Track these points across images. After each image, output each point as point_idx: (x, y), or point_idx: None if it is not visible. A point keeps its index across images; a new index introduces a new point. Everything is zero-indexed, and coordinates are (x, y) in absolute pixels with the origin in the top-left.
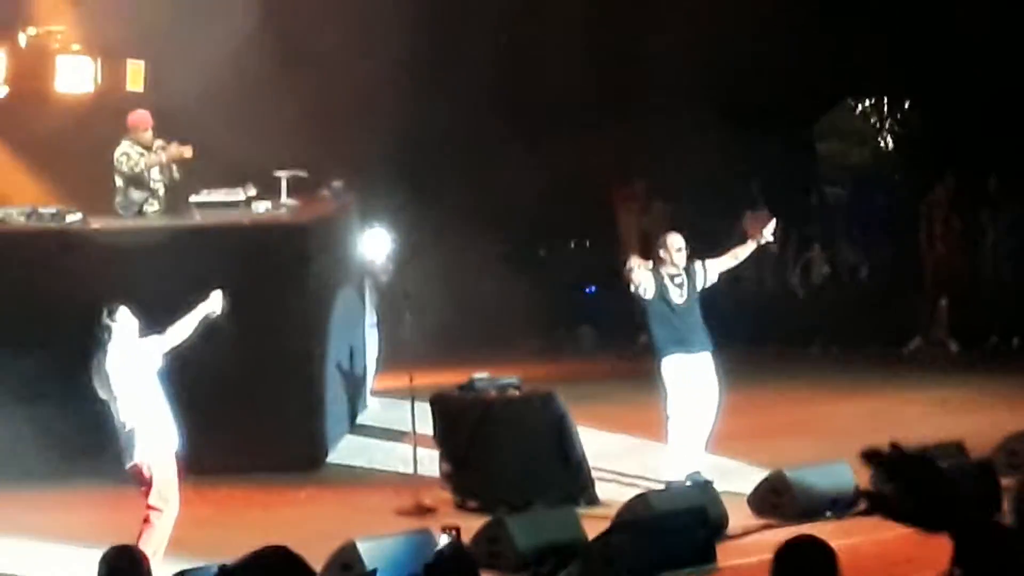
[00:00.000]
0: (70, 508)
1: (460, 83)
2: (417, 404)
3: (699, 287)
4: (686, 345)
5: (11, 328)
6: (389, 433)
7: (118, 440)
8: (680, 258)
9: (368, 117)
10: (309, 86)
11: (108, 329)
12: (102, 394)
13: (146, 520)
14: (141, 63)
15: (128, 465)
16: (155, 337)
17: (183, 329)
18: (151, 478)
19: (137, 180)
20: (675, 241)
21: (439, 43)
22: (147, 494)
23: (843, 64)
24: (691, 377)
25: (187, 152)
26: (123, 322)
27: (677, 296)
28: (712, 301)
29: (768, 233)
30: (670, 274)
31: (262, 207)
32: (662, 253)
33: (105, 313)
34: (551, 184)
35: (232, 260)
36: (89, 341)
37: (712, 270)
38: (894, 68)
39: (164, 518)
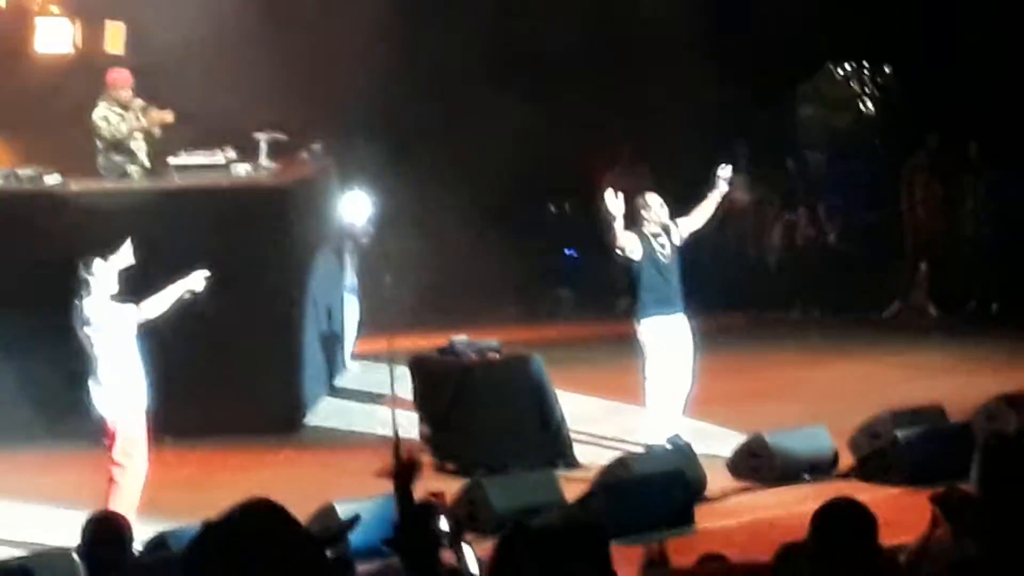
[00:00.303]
0: (52, 469)
1: (441, 44)
2: (396, 367)
3: (677, 245)
4: (668, 306)
5: None
6: (368, 395)
7: (87, 396)
8: (664, 213)
9: (348, 78)
10: (288, 48)
11: (85, 283)
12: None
13: (111, 480)
14: (121, 24)
15: (94, 416)
16: (131, 306)
17: (160, 303)
18: (114, 433)
19: (118, 144)
20: (655, 199)
21: (420, 3)
22: (110, 449)
23: (824, 29)
24: (671, 339)
25: (168, 117)
26: (99, 275)
27: (663, 255)
28: (693, 264)
29: (725, 178)
30: (652, 233)
31: (241, 170)
32: (644, 213)
33: (81, 266)
34: (531, 146)
35: (211, 223)
36: (69, 303)
37: (684, 228)
38: (875, 33)
39: (128, 476)
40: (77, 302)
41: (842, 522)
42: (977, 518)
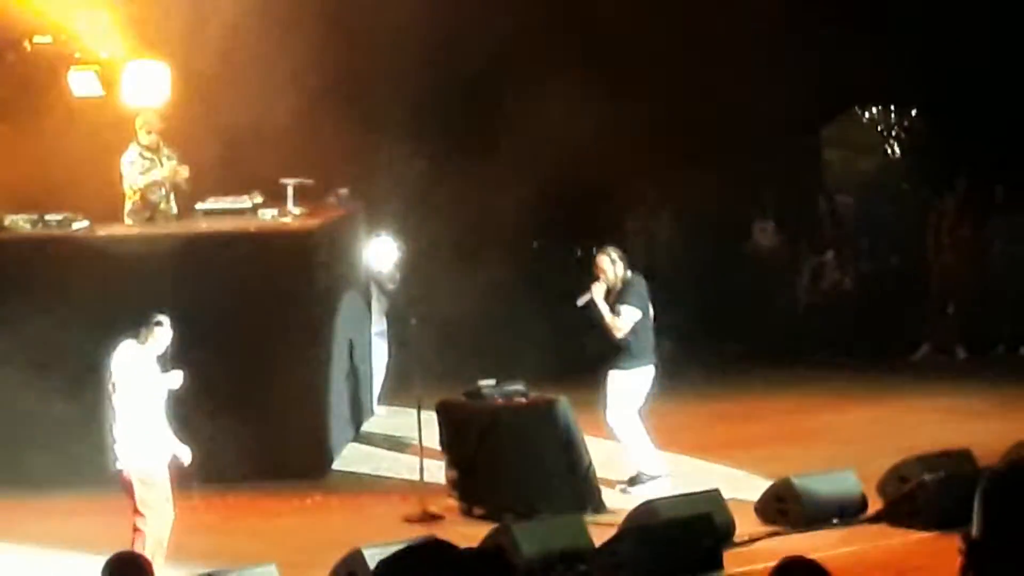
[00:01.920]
0: (78, 514)
1: (467, 93)
2: (423, 411)
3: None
4: (652, 355)
5: (17, 334)
6: (395, 440)
7: (111, 444)
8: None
9: (376, 124)
10: (316, 92)
11: (146, 333)
12: (116, 391)
13: (134, 527)
14: (151, 68)
15: (114, 468)
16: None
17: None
18: (131, 485)
19: (142, 190)
20: (616, 252)
21: (450, 53)
22: (131, 499)
23: (849, 72)
24: (646, 386)
25: (184, 173)
26: (160, 333)
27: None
28: (720, 309)
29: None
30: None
31: (268, 214)
32: (620, 270)
33: (151, 316)
34: (557, 190)
35: (238, 267)
36: (94, 349)
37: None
38: (901, 76)
39: (151, 525)
40: (117, 346)
41: None
42: (980, 563)
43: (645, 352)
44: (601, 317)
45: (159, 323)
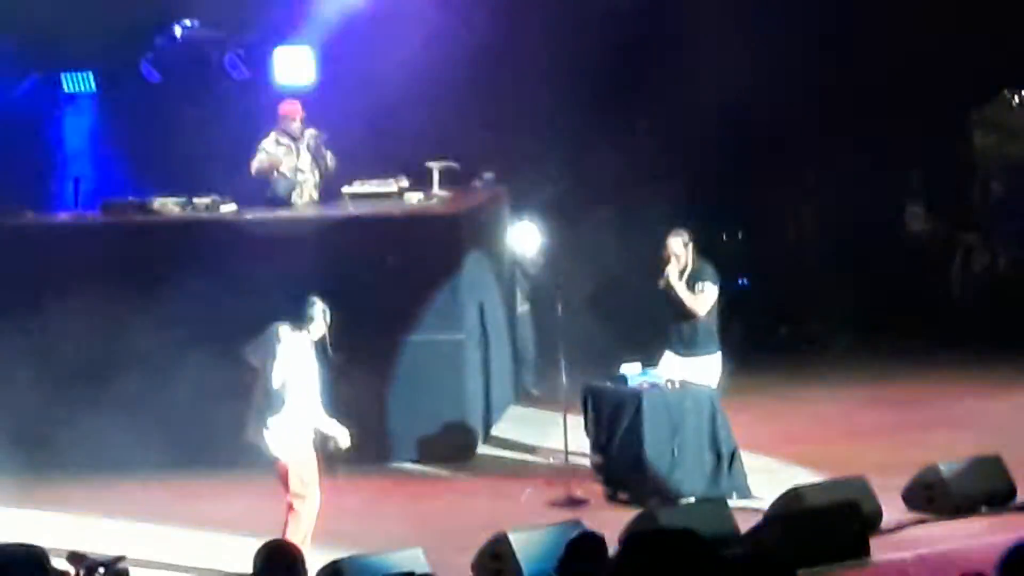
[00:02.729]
0: (226, 496)
1: (617, 79)
2: (569, 396)
3: None
4: None
5: (164, 318)
6: (540, 423)
7: (260, 426)
8: None
9: (523, 108)
10: (462, 77)
11: (309, 318)
12: (258, 375)
13: (290, 508)
14: (298, 51)
15: (267, 451)
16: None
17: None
18: (287, 468)
19: (282, 174)
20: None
21: (601, 38)
22: (287, 483)
23: (999, 55)
24: None
25: (329, 163)
26: (318, 318)
27: None
28: (869, 296)
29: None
30: None
31: (414, 198)
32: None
33: (316, 300)
34: (702, 177)
35: (383, 251)
36: (241, 333)
37: None
38: None
39: (307, 505)
40: (275, 330)
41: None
42: None
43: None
44: (681, 301)
45: (317, 308)
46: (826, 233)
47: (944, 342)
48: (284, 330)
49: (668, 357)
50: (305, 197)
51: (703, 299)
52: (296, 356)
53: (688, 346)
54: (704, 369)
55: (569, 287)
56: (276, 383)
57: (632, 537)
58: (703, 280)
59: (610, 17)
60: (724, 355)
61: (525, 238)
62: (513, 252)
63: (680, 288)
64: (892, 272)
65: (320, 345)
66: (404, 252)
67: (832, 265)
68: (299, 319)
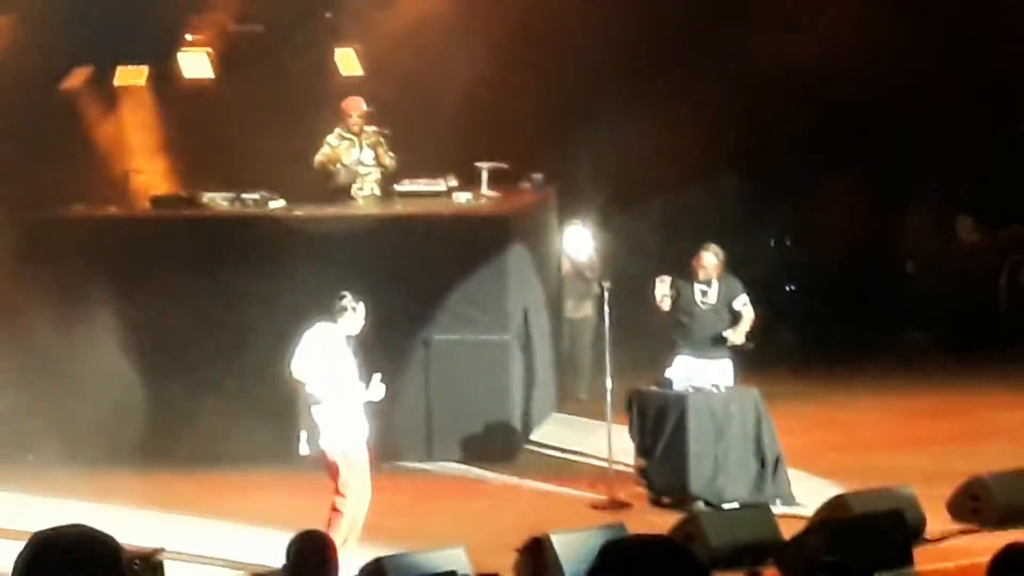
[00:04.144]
0: (274, 490)
1: (673, 84)
2: (613, 398)
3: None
4: None
5: (210, 313)
6: (585, 426)
7: (305, 424)
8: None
9: (574, 111)
10: (512, 79)
11: (342, 311)
12: (296, 374)
13: (333, 507)
14: (351, 49)
15: (314, 451)
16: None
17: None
18: (335, 465)
19: (337, 170)
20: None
21: (653, 44)
22: (334, 481)
23: None
24: None
25: (388, 157)
26: (353, 314)
27: None
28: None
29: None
30: None
31: (463, 197)
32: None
33: (347, 297)
34: (752, 182)
35: (431, 250)
36: (288, 329)
37: None
38: None
39: (350, 504)
40: (311, 327)
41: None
42: None
43: None
44: (701, 310)
45: (350, 305)
46: (874, 241)
47: (991, 353)
48: (317, 328)
49: (682, 360)
50: (366, 191)
51: (750, 317)
52: (332, 353)
53: (702, 349)
54: (720, 370)
55: (619, 290)
56: (316, 380)
57: (608, 547)
58: (739, 295)
59: (665, 23)
60: (770, 361)
61: (577, 242)
62: (570, 256)
63: (739, 337)
64: (940, 282)
65: (353, 342)
66: (451, 252)
67: (878, 273)
68: (331, 314)
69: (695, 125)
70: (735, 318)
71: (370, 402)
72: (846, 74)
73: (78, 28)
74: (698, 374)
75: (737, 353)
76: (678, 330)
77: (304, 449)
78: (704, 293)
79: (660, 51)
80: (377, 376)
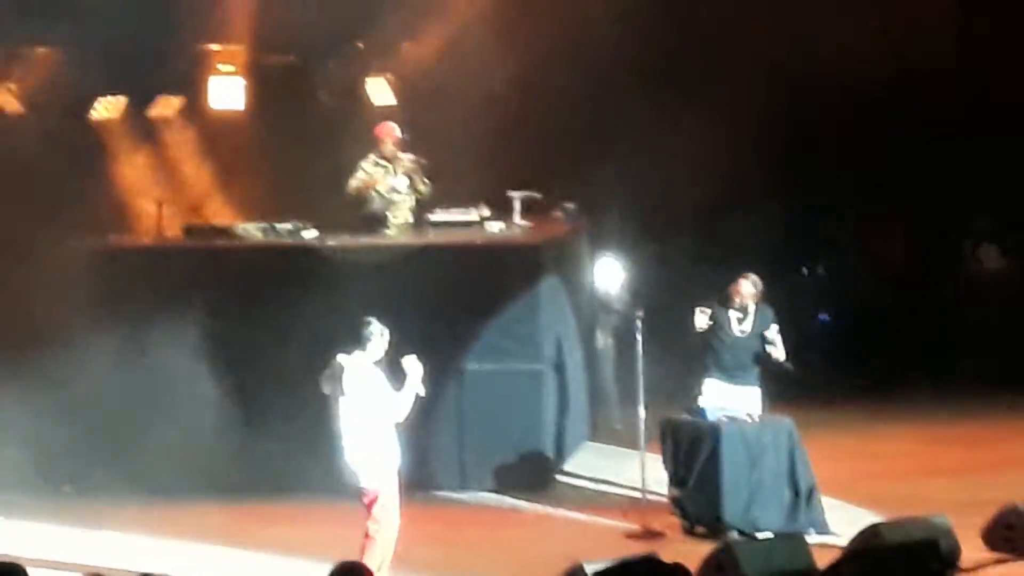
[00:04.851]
0: (303, 521)
1: (707, 116)
2: (647, 428)
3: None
4: None
5: (244, 344)
6: (618, 456)
7: (341, 455)
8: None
9: (605, 141)
10: (546, 108)
11: (369, 337)
12: (332, 404)
13: (367, 535)
14: (382, 79)
15: (357, 482)
16: (393, 392)
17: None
18: (374, 492)
19: (369, 197)
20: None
21: (689, 74)
22: (369, 509)
23: None
24: None
25: (421, 187)
26: (381, 339)
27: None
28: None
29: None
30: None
31: (495, 227)
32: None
33: (374, 323)
34: (785, 212)
35: (464, 279)
36: (322, 358)
37: None
38: None
39: (384, 532)
40: (344, 359)
41: None
42: None
43: None
44: (775, 346)
45: (377, 330)
46: (905, 269)
47: (1021, 381)
48: (345, 359)
49: (712, 384)
50: (400, 219)
51: (780, 341)
52: (362, 382)
53: (733, 375)
54: (749, 397)
55: (652, 320)
56: (349, 412)
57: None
58: (771, 325)
59: (698, 52)
60: (803, 390)
61: (608, 274)
62: (597, 288)
63: (781, 352)
64: (974, 310)
65: (379, 366)
66: (484, 281)
67: (913, 302)
68: (359, 342)
69: (729, 152)
70: (765, 347)
71: (405, 424)
72: (883, 101)
73: (114, 59)
74: (728, 399)
75: (774, 376)
76: (710, 355)
77: (347, 473)
78: (740, 320)
79: (693, 79)
80: (411, 358)
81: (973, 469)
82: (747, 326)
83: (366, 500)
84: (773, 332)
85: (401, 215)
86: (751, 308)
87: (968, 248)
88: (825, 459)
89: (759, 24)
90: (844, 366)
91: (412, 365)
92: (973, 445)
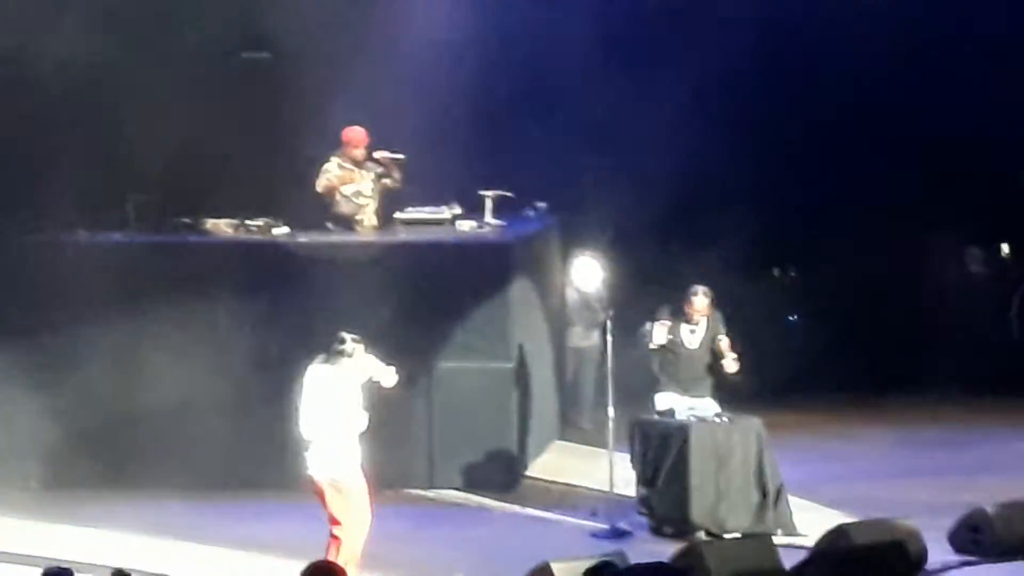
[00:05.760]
0: (273, 518)
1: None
2: (615, 427)
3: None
4: None
5: (216, 338)
6: (587, 455)
7: (302, 449)
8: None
9: (579, 141)
10: (518, 107)
11: (338, 355)
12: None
13: (332, 535)
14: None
15: (304, 476)
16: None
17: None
18: (324, 493)
19: (344, 196)
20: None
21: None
22: (324, 507)
23: None
24: None
25: (390, 183)
26: (346, 357)
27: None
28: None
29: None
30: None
31: (466, 225)
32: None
33: (345, 337)
34: (757, 211)
35: (434, 277)
36: (290, 355)
37: None
38: None
39: (346, 533)
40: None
41: None
42: None
43: None
44: (687, 351)
45: (348, 346)
46: (880, 272)
47: (997, 385)
48: (315, 363)
49: (666, 397)
50: (366, 222)
51: (727, 343)
52: (327, 387)
53: (687, 387)
54: (705, 409)
55: (624, 320)
56: (307, 412)
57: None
58: (720, 335)
59: (669, 57)
60: (773, 391)
61: (586, 273)
62: (577, 286)
63: (732, 365)
64: (949, 313)
65: (354, 379)
66: (454, 279)
67: (887, 304)
68: (329, 354)
69: (702, 155)
70: (715, 356)
71: (366, 431)
72: (855, 103)
73: None
74: (683, 409)
75: (726, 386)
76: (664, 367)
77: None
78: (692, 332)
79: (668, 79)
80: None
81: (943, 472)
82: (697, 337)
83: (318, 499)
84: (725, 343)
85: (367, 219)
86: (704, 320)
87: (952, 251)
88: (795, 460)
89: (735, 22)
90: (814, 367)
91: (387, 376)
92: (943, 448)
